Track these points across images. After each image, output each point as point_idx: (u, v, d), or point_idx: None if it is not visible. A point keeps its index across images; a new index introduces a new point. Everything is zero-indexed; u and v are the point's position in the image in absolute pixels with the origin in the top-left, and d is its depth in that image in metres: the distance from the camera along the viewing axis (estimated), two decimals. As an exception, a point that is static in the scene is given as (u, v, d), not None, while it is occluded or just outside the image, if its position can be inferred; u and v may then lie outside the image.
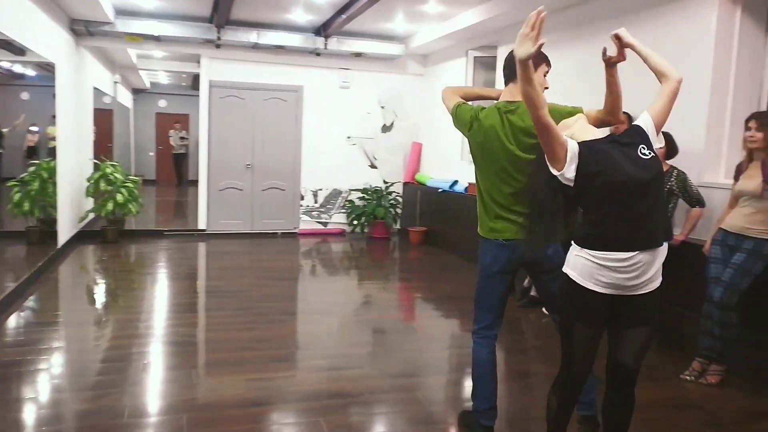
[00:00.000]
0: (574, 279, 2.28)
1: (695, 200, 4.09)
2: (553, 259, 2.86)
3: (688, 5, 4.42)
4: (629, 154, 2.20)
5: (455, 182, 7.93)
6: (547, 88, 2.78)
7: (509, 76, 2.79)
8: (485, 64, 7.74)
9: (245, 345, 4.20)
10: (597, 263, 2.21)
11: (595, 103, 2.66)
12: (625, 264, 2.18)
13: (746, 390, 3.62)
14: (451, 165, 8.25)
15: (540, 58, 2.73)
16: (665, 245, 2.34)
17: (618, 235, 2.18)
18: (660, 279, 2.28)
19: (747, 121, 3.62)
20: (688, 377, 3.75)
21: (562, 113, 2.64)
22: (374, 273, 7.22)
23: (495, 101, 2.95)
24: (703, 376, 3.72)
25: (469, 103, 2.95)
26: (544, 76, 2.75)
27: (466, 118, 2.83)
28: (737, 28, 4.22)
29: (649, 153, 2.22)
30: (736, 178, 3.73)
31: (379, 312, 5.50)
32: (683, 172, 4.11)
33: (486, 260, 2.86)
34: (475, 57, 7.79)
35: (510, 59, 2.78)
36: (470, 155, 2.94)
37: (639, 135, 2.27)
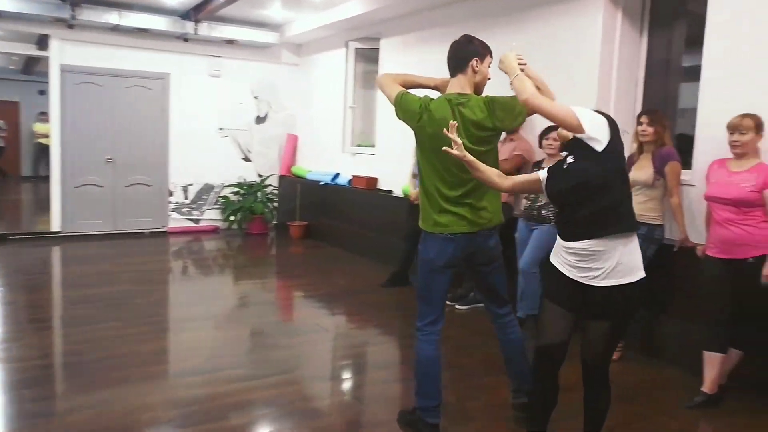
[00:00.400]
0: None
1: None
2: (494, 251, 2.89)
3: (578, 6, 4.70)
4: (560, 165, 2.49)
5: (337, 175, 7.83)
6: (489, 78, 2.80)
7: (456, 68, 2.75)
8: (367, 56, 7.70)
9: (116, 355, 3.81)
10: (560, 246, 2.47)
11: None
12: (570, 249, 2.41)
13: (641, 362, 3.96)
14: (332, 157, 8.13)
15: (487, 51, 2.73)
16: (629, 239, 2.40)
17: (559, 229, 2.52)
18: (632, 276, 2.36)
19: (639, 116, 3.94)
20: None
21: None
22: (255, 271, 6.91)
23: (435, 91, 2.92)
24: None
25: (411, 91, 2.88)
26: (488, 67, 2.77)
27: (414, 108, 2.75)
28: (618, 29, 4.57)
29: (572, 161, 2.41)
30: (628, 169, 4.03)
31: (258, 312, 5.28)
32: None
33: (430, 255, 2.81)
34: (356, 48, 7.72)
35: (457, 49, 2.75)
36: (415, 147, 2.87)
37: (575, 144, 2.42)
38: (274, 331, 4.67)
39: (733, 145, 3.37)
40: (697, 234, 3.77)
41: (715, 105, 3.79)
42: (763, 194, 3.24)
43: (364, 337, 4.68)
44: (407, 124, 2.82)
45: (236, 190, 8.59)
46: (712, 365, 3.35)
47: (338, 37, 7.82)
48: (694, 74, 4.48)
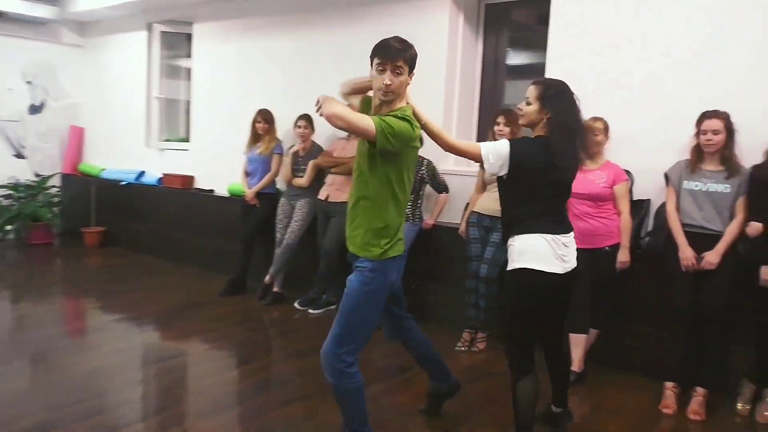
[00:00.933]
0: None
1: (442, 186, 4.51)
2: None
3: (422, 5, 4.76)
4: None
5: (142, 173, 6.99)
6: (388, 84, 2.42)
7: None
8: (173, 41, 6.96)
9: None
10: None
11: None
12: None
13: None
14: (132, 153, 7.22)
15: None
16: (515, 237, 2.62)
17: None
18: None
19: (494, 117, 4.12)
20: (462, 348, 4.14)
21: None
22: (52, 290, 5.81)
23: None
24: (473, 344, 4.16)
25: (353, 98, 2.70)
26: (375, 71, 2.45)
27: (410, 132, 2.39)
28: (461, 31, 4.75)
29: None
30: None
31: (46, 332, 4.41)
32: (431, 162, 4.48)
33: (388, 281, 2.52)
34: (162, 32, 6.92)
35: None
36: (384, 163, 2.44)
37: None
38: (64, 353, 3.87)
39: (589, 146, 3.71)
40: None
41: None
42: (614, 189, 3.63)
43: (229, 359, 4.17)
44: (406, 149, 2.44)
45: (8, 192, 7.17)
46: (578, 345, 3.67)
47: (137, 18, 6.94)
48: (517, 73, 4.91)
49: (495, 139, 4.07)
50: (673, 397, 3.31)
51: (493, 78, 4.98)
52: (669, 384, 3.35)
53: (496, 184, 3.93)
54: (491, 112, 4.38)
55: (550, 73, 4.11)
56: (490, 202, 4.12)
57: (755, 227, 3.17)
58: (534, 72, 4.50)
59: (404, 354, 3.16)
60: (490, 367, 3.86)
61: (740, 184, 3.27)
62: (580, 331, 3.67)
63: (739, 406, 3.31)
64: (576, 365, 3.63)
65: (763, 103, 3.47)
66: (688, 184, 3.38)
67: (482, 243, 4.14)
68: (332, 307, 4.87)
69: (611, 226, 3.63)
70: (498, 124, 4.06)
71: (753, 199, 3.26)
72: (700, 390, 3.28)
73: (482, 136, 4.71)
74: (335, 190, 4.84)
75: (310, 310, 4.90)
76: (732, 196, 3.28)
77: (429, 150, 4.40)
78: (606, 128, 3.70)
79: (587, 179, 3.63)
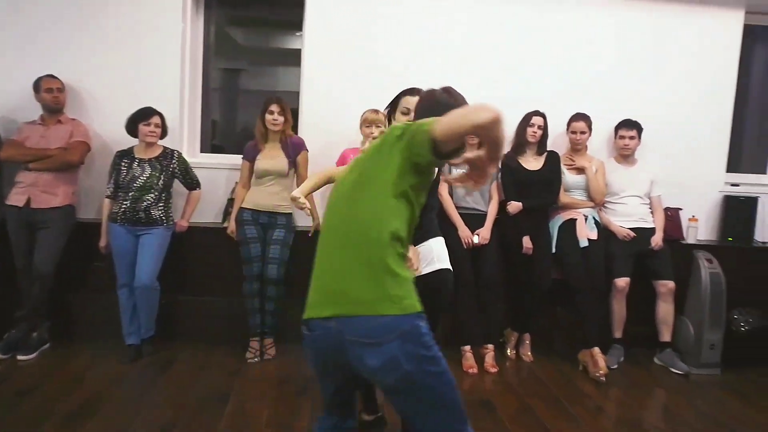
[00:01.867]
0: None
1: (195, 182, 3.93)
2: None
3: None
4: None
5: None
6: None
7: None
8: None
9: None
10: None
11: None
12: None
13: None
14: None
15: None
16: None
17: None
18: None
19: (268, 105, 3.77)
20: (255, 359, 3.74)
21: None
22: None
23: None
24: (264, 352, 3.81)
25: None
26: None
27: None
28: (189, 12, 4.13)
29: None
30: (251, 158, 3.83)
31: None
32: (182, 154, 3.85)
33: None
34: None
35: None
36: None
37: None
38: None
39: (371, 137, 3.79)
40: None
41: (316, 92, 4.10)
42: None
43: None
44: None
45: None
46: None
47: None
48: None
49: (264, 129, 3.78)
50: (472, 358, 3.79)
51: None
52: (466, 348, 3.82)
53: (273, 177, 3.72)
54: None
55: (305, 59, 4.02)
56: (266, 197, 3.81)
57: (515, 206, 3.86)
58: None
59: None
60: (291, 372, 3.65)
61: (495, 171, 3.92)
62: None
63: (509, 351, 4.03)
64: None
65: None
66: (457, 172, 3.85)
67: (261, 242, 3.80)
68: (47, 346, 3.73)
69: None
70: (272, 112, 3.76)
71: (505, 183, 3.95)
72: (489, 346, 3.85)
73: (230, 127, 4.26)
74: (40, 192, 3.67)
75: (20, 356, 3.61)
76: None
77: (175, 140, 3.84)
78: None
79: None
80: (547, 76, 4.22)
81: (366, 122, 3.77)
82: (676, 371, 3.87)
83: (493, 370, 3.74)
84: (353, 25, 4.09)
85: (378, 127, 3.77)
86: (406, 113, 2.60)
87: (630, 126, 4.08)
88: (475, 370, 3.71)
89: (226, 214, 3.99)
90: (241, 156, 3.90)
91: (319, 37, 4.09)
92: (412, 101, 2.51)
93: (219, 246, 3.93)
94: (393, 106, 2.73)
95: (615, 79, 4.26)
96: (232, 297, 3.89)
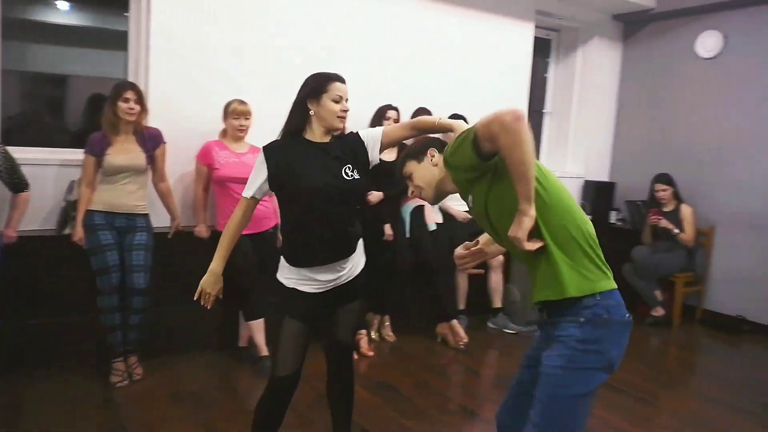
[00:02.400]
0: None
1: (23, 184, 3.24)
2: None
3: None
4: None
5: None
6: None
7: None
8: None
9: None
10: None
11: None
12: None
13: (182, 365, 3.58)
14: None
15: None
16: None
17: None
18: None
19: (121, 91, 3.28)
20: (121, 382, 3.28)
21: None
22: None
23: None
24: (132, 373, 3.36)
25: None
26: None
27: None
28: None
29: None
30: (99, 153, 3.30)
31: None
32: (8, 150, 3.15)
33: (612, 356, 1.69)
34: None
35: None
36: None
37: None
38: None
39: (240, 129, 3.61)
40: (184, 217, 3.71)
41: (164, 82, 3.72)
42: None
43: None
44: None
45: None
46: (259, 330, 3.65)
47: None
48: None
49: (115, 118, 3.32)
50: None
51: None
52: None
53: (129, 174, 3.29)
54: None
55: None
56: (122, 197, 3.34)
57: (377, 196, 4.05)
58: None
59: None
60: (174, 388, 3.33)
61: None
62: (255, 317, 3.64)
63: (373, 334, 4.23)
64: (265, 350, 3.63)
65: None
66: None
67: (118, 248, 3.33)
68: None
69: (271, 208, 3.72)
70: (127, 100, 3.29)
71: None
72: (362, 332, 4.00)
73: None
74: None
75: None
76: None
77: None
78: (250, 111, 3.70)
79: (244, 162, 3.59)
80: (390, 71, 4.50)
81: (234, 113, 3.58)
82: (509, 331, 4.55)
83: (371, 353, 3.92)
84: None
85: (247, 118, 3.61)
86: (338, 101, 2.33)
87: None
88: (356, 356, 3.85)
89: (67, 218, 3.37)
90: (83, 150, 3.33)
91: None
92: (344, 88, 2.31)
93: (58, 257, 3.34)
94: (315, 93, 2.25)
95: (434, 75, 4.71)
96: (84, 314, 3.34)
